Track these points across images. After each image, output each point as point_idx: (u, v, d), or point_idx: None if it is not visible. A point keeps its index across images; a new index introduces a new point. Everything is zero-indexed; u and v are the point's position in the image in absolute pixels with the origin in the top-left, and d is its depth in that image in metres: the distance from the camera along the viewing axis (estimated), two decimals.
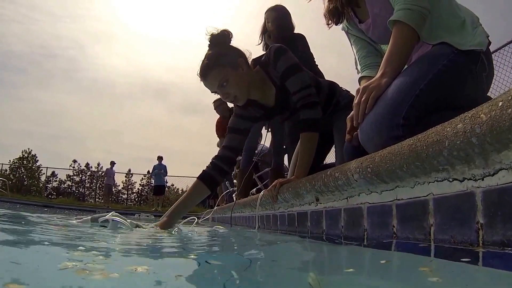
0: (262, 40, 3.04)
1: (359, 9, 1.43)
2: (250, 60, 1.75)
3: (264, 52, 1.78)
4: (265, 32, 2.99)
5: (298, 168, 1.64)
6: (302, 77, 1.68)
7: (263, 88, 1.74)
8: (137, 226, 1.48)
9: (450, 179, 0.71)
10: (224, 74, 1.60)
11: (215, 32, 1.66)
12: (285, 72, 1.66)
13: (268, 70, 1.71)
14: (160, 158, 13.00)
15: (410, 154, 0.74)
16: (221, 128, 4.82)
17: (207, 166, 1.79)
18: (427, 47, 1.24)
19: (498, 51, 5.69)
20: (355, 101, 1.16)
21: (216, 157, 1.80)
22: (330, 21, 1.51)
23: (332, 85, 1.92)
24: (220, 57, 1.61)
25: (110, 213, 1.46)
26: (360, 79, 1.53)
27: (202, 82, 1.66)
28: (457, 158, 0.65)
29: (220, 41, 1.67)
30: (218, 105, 4.87)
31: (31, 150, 26.30)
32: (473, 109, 0.58)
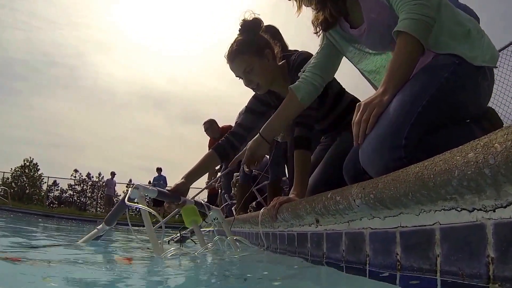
0: None
1: (349, 16, 1.37)
2: (277, 53, 1.80)
3: (296, 52, 1.83)
4: None
5: (296, 186, 1.63)
6: None
7: (283, 82, 1.78)
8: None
9: (459, 209, 0.67)
10: (250, 62, 1.66)
11: (248, 18, 1.70)
12: None
13: (289, 71, 1.77)
14: (159, 170, 12.98)
15: (416, 182, 0.69)
16: None
17: (221, 140, 1.90)
18: (427, 56, 1.19)
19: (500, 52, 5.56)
20: (355, 119, 1.09)
21: (229, 133, 1.91)
22: (318, 29, 1.45)
23: (354, 101, 1.94)
24: (249, 44, 1.66)
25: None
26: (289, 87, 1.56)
27: (228, 65, 1.72)
28: (466, 188, 0.60)
29: (251, 28, 1.71)
30: (208, 127, 4.84)
31: (33, 158, 26.31)
32: (485, 136, 0.54)
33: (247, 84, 1.75)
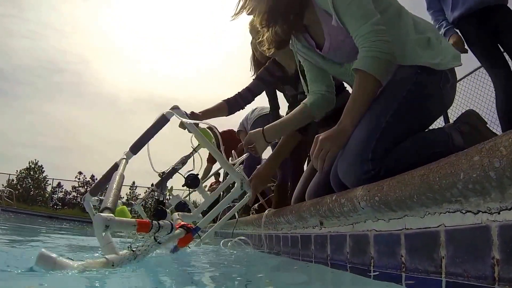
0: (254, 71, 3.02)
1: (311, 31, 1.39)
2: None
3: None
4: (256, 62, 2.99)
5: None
6: None
7: (290, 58, 1.96)
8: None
9: (463, 211, 0.67)
10: None
11: None
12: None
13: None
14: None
15: (421, 185, 0.69)
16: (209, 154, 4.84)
17: (231, 97, 2.19)
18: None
19: None
20: (313, 151, 1.17)
21: (238, 94, 2.19)
22: (270, 47, 1.44)
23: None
24: None
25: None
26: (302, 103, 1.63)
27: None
28: (472, 191, 0.61)
29: None
30: None
31: (38, 161, 26.43)
32: (491, 140, 0.55)
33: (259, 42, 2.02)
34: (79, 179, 26.75)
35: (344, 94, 2.01)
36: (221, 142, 1.78)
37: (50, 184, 23.57)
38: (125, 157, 1.66)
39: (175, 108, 1.59)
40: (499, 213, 0.60)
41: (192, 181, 1.65)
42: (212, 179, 6.24)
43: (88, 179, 27.08)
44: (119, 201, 1.90)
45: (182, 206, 1.65)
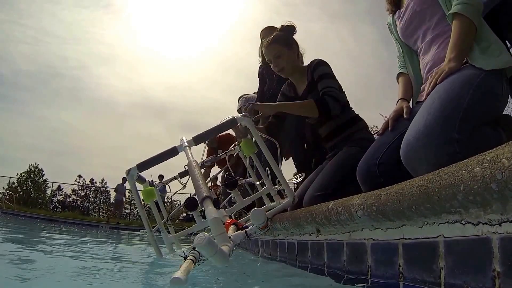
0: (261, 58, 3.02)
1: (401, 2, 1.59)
2: (300, 55, 2.20)
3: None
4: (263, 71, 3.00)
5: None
6: (333, 81, 1.98)
7: (300, 77, 2.14)
8: None
9: (463, 222, 0.65)
10: (282, 50, 2.06)
11: (286, 24, 2.17)
12: (321, 76, 1.99)
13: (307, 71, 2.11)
14: (160, 177, 12.93)
15: (420, 195, 0.67)
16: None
17: (268, 123, 2.27)
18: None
19: None
20: (427, 86, 1.20)
21: (269, 122, 2.25)
22: (389, 8, 1.65)
23: (356, 118, 2.07)
24: (283, 38, 2.09)
25: None
26: (397, 76, 1.65)
27: (263, 50, 2.14)
28: (472, 202, 0.58)
29: (287, 29, 2.16)
30: None
31: (38, 164, 26.36)
32: (492, 150, 0.52)
33: (274, 66, 2.09)
34: (78, 182, 26.69)
35: (346, 113, 2.06)
36: (279, 154, 1.95)
37: (50, 187, 23.49)
38: (187, 144, 1.78)
39: (246, 116, 1.78)
40: (500, 225, 0.58)
41: (231, 183, 1.73)
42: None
43: (87, 182, 27.07)
44: (147, 180, 2.11)
45: (214, 203, 1.69)
